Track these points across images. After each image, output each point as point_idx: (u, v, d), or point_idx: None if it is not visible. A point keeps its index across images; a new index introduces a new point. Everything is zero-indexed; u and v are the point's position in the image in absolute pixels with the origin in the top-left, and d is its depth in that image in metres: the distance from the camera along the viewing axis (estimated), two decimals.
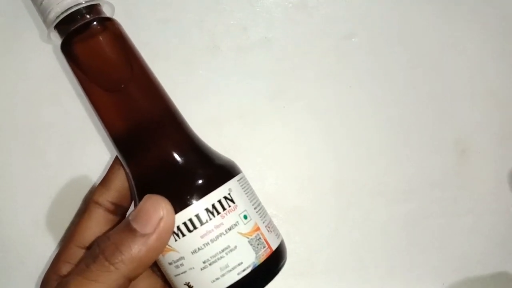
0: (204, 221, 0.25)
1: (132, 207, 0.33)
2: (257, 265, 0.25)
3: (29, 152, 0.36)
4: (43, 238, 0.35)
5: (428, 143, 0.38)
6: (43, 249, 0.35)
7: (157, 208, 0.23)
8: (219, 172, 0.27)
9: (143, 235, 0.23)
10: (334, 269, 0.37)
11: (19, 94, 0.36)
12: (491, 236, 0.38)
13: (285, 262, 0.28)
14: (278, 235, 0.28)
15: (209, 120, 0.37)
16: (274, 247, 0.27)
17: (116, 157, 0.30)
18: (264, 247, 0.26)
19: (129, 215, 0.24)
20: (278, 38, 0.37)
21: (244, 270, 0.25)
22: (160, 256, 0.26)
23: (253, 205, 0.27)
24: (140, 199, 0.25)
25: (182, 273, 0.25)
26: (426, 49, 0.38)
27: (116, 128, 0.27)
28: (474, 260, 0.38)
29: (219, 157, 0.28)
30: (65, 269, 0.28)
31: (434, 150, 0.38)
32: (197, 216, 0.25)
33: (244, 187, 0.27)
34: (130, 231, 0.23)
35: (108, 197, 0.30)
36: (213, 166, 0.27)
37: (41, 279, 0.29)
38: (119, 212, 0.30)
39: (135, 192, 0.27)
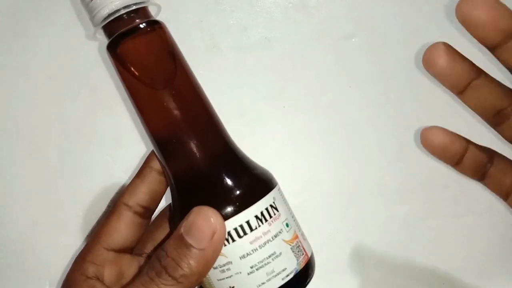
0: (254, 227, 0.26)
1: (164, 207, 0.33)
2: (298, 270, 0.27)
3: (29, 152, 0.36)
4: (43, 238, 0.35)
5: None
6: (43, 249, 0.35)
7: (209, 222, 0.24)
8: (264, 181, 0.28)
9: (199, 250, 0.24)
10: (334, 269, 0.37)
11: (19, 94, 0.36)
12: (491, 236, 0.38)
13: (315, 267, 0.30)
14: (309, 244, 0.30)
15: None
16: (309, 254, 0.28)
17: (148, 158, 0.30)
18: (303, 254, 0.28)
19: (180, 226, 0.24)
20: (278, 38, 0.37)
21: (288, 276, 0.26)
22: None
23: (291, 214, 0.28)
24: (183, 204, 0.26)
25: (227, 277, 0.26)
26: (426, 49, 0.38)
27: (160, 129, 0.28)
28: (474, 260, 0.38)
29: (258, 165, 0.29)
30: (91, 270, 0.28)
31: None
32: (247, 222, 0.26)
33: (283, 196, 0.29)
34: (186, 246, 0.24)
35: (138, 200, 0.30)
36: (257, 175, 0.28)
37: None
38: (148, 215, 0.31)
39: (176, 195, 0.28)
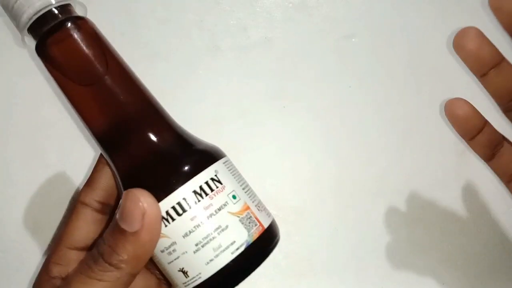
0: (192, 203, 0.25)
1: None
2: (250, 243, 0.25)
3: (29, 152, 0.36)
4: (43, 238, 0.35)
5: (428, 143, 0.38)
6: (43, 249, 0.36)
7: (137, 204, 0.23)
8: (203, 155, 0.27)
9: (133, 233, 0.23)
10: (334, 269, 0.37)
11: (19, 94, 0.36)
12: (491, 236, 0.38)
13: (278, 240, 0.28)
14: (269, 214, 0.28)
15: (209, 120, 0.37)
16: (266, 225, 0.27)
17: (100, 155, 0.30)
18: (256, 225, 0.26)
19: (116, 213, 0.24)
20: (278, 38, 0.37)
21: (237, 249, 0.25)
22: None
23: (241, 185, 0.27)
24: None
25: (175, 259, 0.25)
26: (426, 49, 0.38)
27: (96, 124, 0.28)
28: (474, 260, 0.38)
29: (202, 142, 0.29)
30: (56, 270, 0.28)
31: (434, 150, 0.38)
32: (185, 199, 0.25)
33: (231, 169, 0.28)
34: (120, 232, 0.24)
35: (94, 197, 0.30)
36: (196, 151, 0.27)
37: None
38: (107, 210, 0.30)
39: (121, 188, 0.28)
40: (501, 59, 0.25)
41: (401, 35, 0.38)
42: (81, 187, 0.36)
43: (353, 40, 0.38)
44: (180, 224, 0.25)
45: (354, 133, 0.38)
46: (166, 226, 0.25)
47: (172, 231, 0.25)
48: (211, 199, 0.25)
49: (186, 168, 0.26)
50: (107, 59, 0.27)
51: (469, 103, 0.26)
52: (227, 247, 0.25)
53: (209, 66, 0.37)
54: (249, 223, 0.26)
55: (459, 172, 0.38)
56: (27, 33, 0.27)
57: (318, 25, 0.37)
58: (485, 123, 0.27)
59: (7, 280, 0.35)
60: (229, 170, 0.27)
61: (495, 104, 0.35)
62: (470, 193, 0.38)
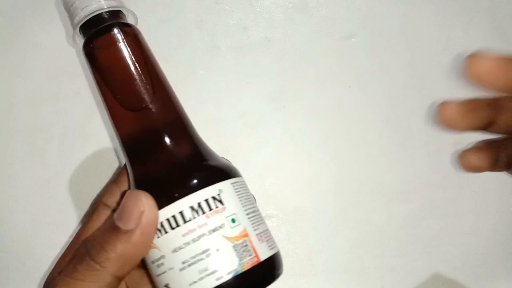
0: (187, 219, 0.24)
1: None
2: (239, 272, 0.24)
3: (29, 152, 0.36)
4: (43, 238, 0.35)
5: (428, 143, 0.38)
6: (43, 249, 0.35)
7: (137, 203, 0.23)
8: (211, 172, 0.26)
9: (126, 232, 0.23)
10: (334, 269, 0.37)
11: (19, 94, 0.36)
12: (491, 236, 0.38)
13: (276, 276, 0.26)
14: (272, 246, 0.26)
15: (209, 120, 0.37)
16: (262, 258, 0.25)
17: (124, 165, 0.30)
18: (251, 255, 0.24)
19: (114, 213, 0.24)
20: (278, 38, 0.37)
21: (223, 277, 0.23)
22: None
23: (245, 210, 0.26)
24: None
25: (162, 273, 0.24)
26: (426, 49, 0.38)
27: (123, 128, 0.28)
28: (474, 260, 0.38)
29: (217, 159, 0.28)
30: None
31: (434, 150, 0.38)
32: (181, 213, 0.24)
33: (239, 191, 0.26)
34: (114, 229, 0.23)
35: (116, 199, 0.29)
36: (206, 166, 0.26)
37: (41, 280, 0.29)
38: None
39: None
40: (494, 113, 0.24)
41: (401, 35, 0.38)
42: (81, 187, 0.36)
43: (353, 40, 0.38)
44: (171, 238, 0.24)
45: (354, 133, 0.38)
46: (158, 237, 0.24)
47: (163, 243, 0.24)
48: (207, 218, 0.24)
49: (190, 182, 0.25)
50: (147, 68, 0.27)
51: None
52: (213, 272, 0.23)
53: (209, 66, 0.37)
54: (244, 251, 0.24)
55: (459, 172, 0.38)
56: (78, 32, 0.28)
57: (318, 25, 0.37)
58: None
59: (7, 280, 0.35)
60: (236, 192, 0.26)
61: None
62: (470, 193, 0.38)
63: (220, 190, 0.25)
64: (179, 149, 0.27)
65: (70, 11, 0.28)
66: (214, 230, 0.24)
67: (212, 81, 0.37)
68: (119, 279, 0.24)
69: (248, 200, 0.27)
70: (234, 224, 0.24)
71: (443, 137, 0.38)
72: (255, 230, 0.25)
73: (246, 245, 0.24)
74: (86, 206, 0.36)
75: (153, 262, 0.25)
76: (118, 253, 0.23)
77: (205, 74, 0.37)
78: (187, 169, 0.26)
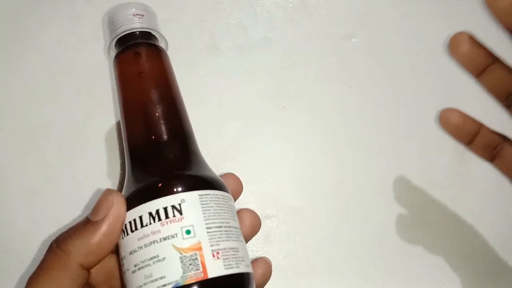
0: (144, 224, 0.25)
1: None
2: (179, 285, 0.23)
3: (29, 152, 0.36)
4: (43, 238, 0.35)
5: (428, 143, 0.38)
6: (43, 249, 0.35)
7: (107, 197, 0.25)
8: (181, 181, 0.26)
9: (94, 222, 0.24)
10: (334, 269, 0.37)
11: (19, 94, 0.36)
12: (491, 236, 0.38)
13: None
14: (231, 266, 0.25)
15: (209, 120, 0.37)
16: (211, 275, 0.24)
17: None
18: (197, 270, 0.24)
19: None
20: (278, 38, 0.37)
21: (164, 285, 0.23)
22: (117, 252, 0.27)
23: (207, 224, 0.25)
24: None
25: (123, 273, 0.25)
26: (426, 49, 0.38)
27: (130, 137, 0.30)
28: (474, 260, 0.38)
29: (201, 170, 0.28)
30: None
31: (434, 150, 0.38)
32: (140, 217, 0.25)
33: (207, 204, 0.26)
34: (84, 221, 0.25)
35: None
36: (179, 176, 0.27)
37: None
38: None
39: None
40: (494, 59, 0.28)
41: (400, 36, 0.38)
42: (80, 187, 0.36)
43: (353, 40, 0.38)
44: (130, 240, 0.25)
45: (354, 133, 0.38)
46: (123, 238, 0.25)
47: (124, 245, 0.25)
48: (162, 226, 0.24)
49: (154, 188, 0.26)
50: (164, 88, 0.30)
51: (461, 111, 0.28)
52: (156, 280, 0.24)
53: (209, 66, 0.37)
54: (190, 264, 0.24)
55: (459, 172, 0.38)
56: (113, 46, 0.32)
57: (318, 25, 0.37)
58: (480, 127, 0.28)
59: (7, 280, 0.35)
60: (201, 204, 0.25)
61: (496, 103, 0.35)
62: (470, 193, 0.38)
63: (182, 200, 0.25)
64: (168, 160, 0.28)
65: (110, 26, 0.32)
66: (165, 239, 0.24)
67: (212, 81, 0.37)
68: (85, 269, 0.25)
69: (217, 214, 0.26)
70: (188, 236, 0.24)
71: (443, 137, 0.38)
72: (212, 245, 0.25)
73: (195, 259, 0.24)
74: (86, 206, 0.36)
75: (120, 261, 0.26)
76: (83, 241, 0.24)
77: (205, 74, 0.37)
78: (161, 178, 0.26)
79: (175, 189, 0.25)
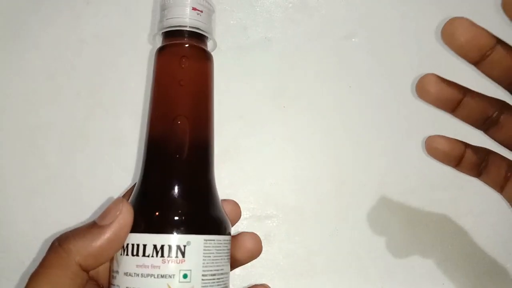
0: (146, 254, 0.25)
1: None
2: None
3: (29, 152, 0.36)
4: (43, 238, 0.35)
5: None
6: (43, 249, 0.35)
7: (117, 205, 0.25)
8: (192, 222, 0.26)
9: (99, 226, 0.25)
10: (334, 269, 0.37)
11: (19, 94, 0.36)
12: (491, 236, 0.38)
13: None
14: None
15: None
16: None
17: None
18: None
19: None
20: (278, 38, 0.37)
21: None
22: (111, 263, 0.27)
23: (204, 271, 0.26)
24: None
25: (111, 284, 0.26)
26: (426, 49, 0.38)
27: (153, 139, 0.28)
28: (474, 260, 0.38)
29: (214, 209, 0.28)
30: None
31: None
32: (144, 246, 0.25)
33: (209, 250, 0.26)
34: (90, 224, 0.25)
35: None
36: (193, 214, 0.27)
37: None
38: None
39: None
40: (464, 93, 0.28)
41: (400, 36, 0.38)
42: (80, 187, 0.36)
43: (353, 40, 0.38)
44: (128, 262, 0.25)
45: (354, 133, 0.38)
46: (121, 254, 0.25)
47: (121, 262, 0.25)
48: (163, 263, 0.25)
49: (167, 221, 0.26)
50: (202, 105, 0.29)
51: (445, 137, 0.29)
52: None
53: None
54: None
55: (459, 172, 0.38)
56: (159, 36, 0.29)
57: (318, 25, 0.37)
58: (465, 149, 0.29)
59: (7, 280, 0.35)
60: (204, 250, 0.26)
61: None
62: (470, 193, 0.38)
63: (188, 242, 0.25)
64: (186, 190, 0.27)
65: (162, 13, 0.29)
66: (162, 276, 0.25)
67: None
68: (84, 270, 0.25)
69: (215, 262, 0.27)
70: (184, 280, 0.25)
71: None
72: None
73: None
74: (85, 206, 0.36)
75: (111, 271, 0.26)
76: (85, 242, 0.24)
77: None
78: (175, 208, 0.26)
79: (185, 230, 0.26)
